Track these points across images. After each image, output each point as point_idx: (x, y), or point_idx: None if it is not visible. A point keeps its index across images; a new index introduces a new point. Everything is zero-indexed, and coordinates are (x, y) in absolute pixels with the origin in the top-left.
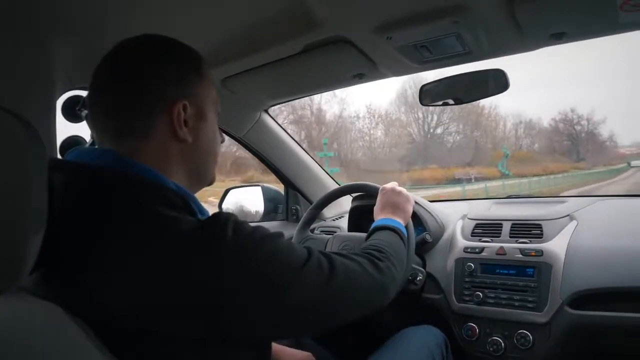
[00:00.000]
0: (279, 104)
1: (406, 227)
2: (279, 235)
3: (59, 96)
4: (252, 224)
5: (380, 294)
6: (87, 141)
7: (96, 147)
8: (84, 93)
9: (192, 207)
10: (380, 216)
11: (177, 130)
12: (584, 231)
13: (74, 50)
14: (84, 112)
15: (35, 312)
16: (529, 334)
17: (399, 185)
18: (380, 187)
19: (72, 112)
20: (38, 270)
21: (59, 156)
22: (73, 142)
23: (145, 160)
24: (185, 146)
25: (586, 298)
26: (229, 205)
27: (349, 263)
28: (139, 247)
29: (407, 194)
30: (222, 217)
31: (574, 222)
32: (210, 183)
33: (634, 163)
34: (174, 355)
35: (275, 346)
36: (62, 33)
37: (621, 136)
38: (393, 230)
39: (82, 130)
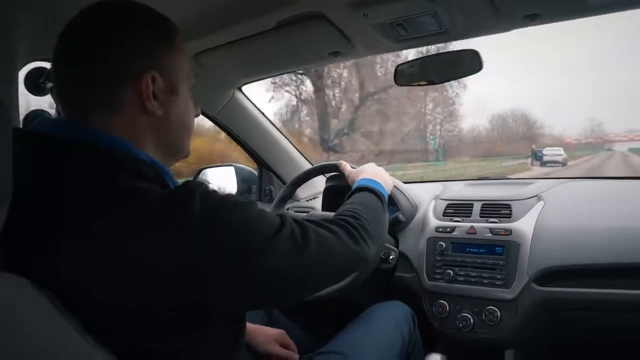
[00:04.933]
0: (252, 81)
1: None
2: (251, 203)
3: (22, 67)
4: (223, 193)
5: (356, 262)
6: (52, 115)
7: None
8: (48, 65)
9: (164, 179)
10: (364, 176)
11: (146, 103)
12: (550, 211)
13: (38, 19)
14: (49, 85)
15: (3, 287)
16: (497, 310)
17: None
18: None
19: (36, 84)
20: (5, 244)
21: None
22: (36, 116)
23: (115, 132)
24: (155, 120)
25: (551, 275)
26: None
27: (323, 232)
28: (101, 219)
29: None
30: (190, 185)
31: (542, 203)
32: (185, 156)
33: (547, 154)
34: (145, 332)
35: (248, 325)
36: (24, 1)
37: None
38: (375, 193)
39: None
